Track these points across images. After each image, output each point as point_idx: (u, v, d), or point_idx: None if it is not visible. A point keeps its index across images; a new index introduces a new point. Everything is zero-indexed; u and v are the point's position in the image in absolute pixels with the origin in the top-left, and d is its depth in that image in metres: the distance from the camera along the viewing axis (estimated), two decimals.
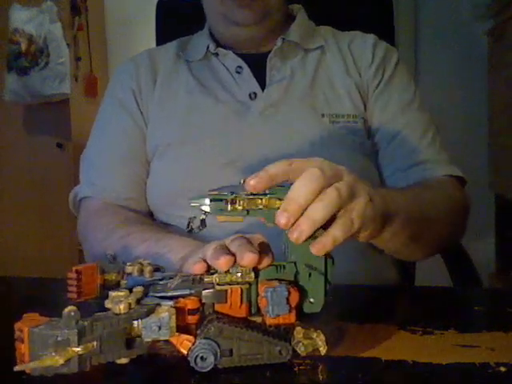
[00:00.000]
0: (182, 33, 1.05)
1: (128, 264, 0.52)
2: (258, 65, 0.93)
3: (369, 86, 0.93)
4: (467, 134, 2.15)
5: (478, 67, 2.11)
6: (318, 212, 0.47)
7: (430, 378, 0.46)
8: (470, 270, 1.03)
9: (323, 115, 0.89)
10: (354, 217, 0.50)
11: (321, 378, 0.46)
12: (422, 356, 0.49)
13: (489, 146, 2.04)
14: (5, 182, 2.30)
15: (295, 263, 0.49)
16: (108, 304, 0.44)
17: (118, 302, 0.44)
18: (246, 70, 0.92)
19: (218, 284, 0.47)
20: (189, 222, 0.52)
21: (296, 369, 0.47)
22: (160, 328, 0.43)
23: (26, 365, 0.40)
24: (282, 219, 0.46)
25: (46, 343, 0.40)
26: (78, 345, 0.40)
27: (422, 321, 0.58)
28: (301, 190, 0.47)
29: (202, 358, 0.45)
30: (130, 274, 0.51)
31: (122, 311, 0.43)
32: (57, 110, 2.20)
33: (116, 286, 0.50)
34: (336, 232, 0.48)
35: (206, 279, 0.48)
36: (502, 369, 0.46)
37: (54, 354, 0.40)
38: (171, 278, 0.50)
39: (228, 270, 0.47)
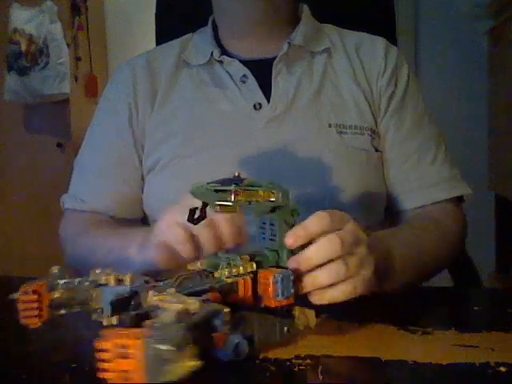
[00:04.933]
0: (183, 32, 1.03)
1: (103, 276, 0.49)
2: (263, 72, 0.90)
3: (381, 98, 0.90)
4: (467, 134, 2.15)
5: (477, 67, 2.11)
6: (315, 259, 0.53)
7: (430, 378, 0.46)
8: (470, 270, 1.03)
9: (330, 125, 0.87)
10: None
11: (321, 378, 0.46)
12: (422, 356, 0.49)
13: (489, 146, 2.04)
14: (5, 181, 2.30)
15: (277, 251, 0.54)
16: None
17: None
18: (251, 79, 0.89)
19: (227, 277, 0.50)
20: (190, 212, 0.54)
21: (296, 369, 0.47)
22: None
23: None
24: (290, 241, 0.53)
25: (163, 354, 0.38)
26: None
27: (422, 321, 0.58)
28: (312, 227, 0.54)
29: (237, 346, 0.46)
30: (104, 284, 0.49)
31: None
32: (57, 110, 2.20)
33: (67, 304, 0.47)
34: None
35: (216, 274, 0.50)
36: (502, 369, 0.46)
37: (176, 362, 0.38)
38: (158, 281, 0.50)
39: (229, 263, 0.51)
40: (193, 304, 0.43)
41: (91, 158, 0.95)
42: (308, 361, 0.48)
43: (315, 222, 0.54)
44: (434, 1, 2.24)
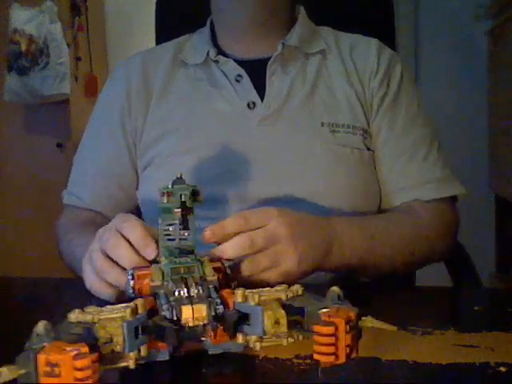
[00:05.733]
0: (183, 31, 1.03)
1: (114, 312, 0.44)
2: (258, 72, 0.91)
3: (373, 98, 0.91)
4: (467, 134, 2.16)
5: (477, 67, 2.11)
6: (229, 252, 0.59)
7: (430, 378, 0.46)
8: (470, 269, 1.03)
9: (323, 124, 0.88)
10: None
11: (321, 378, 0.46)
12: (422, 356, 0.49)
13: (489, 146, 2.04)
14: (5, 181, 2.30)
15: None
16: None
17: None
18: (246, 79, 0.91)
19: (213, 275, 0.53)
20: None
21: (296, 369, 0.47)
22: None
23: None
24: (207, 236, 0.59)
25: None
26: None
27: (422, 321, 0.58)
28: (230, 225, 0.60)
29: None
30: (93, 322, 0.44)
31: None
32: (57, 110, 2.19)
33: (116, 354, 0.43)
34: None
35: (208, 278, 0.52)
36: (502, 369, 0.46)
37: None
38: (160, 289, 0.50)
39: (201, 263, 0.53)
40: (284, 290, 0.49)
41: (87, 158, 0.98)
42: (308, 361, 0.48)
43: (231, 221, 0.60)
44: (434, 1, 2.24)
